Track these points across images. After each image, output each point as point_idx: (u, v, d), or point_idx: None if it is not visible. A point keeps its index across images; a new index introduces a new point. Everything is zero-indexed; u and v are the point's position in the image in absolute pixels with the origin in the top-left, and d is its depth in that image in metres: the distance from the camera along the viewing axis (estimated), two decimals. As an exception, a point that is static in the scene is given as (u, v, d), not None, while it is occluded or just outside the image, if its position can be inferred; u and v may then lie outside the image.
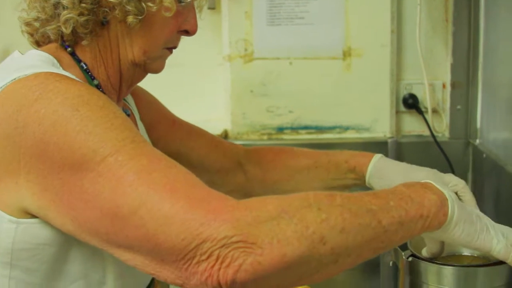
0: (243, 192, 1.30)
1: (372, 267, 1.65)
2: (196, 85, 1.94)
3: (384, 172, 1.18)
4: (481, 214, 0.97)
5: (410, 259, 1.04)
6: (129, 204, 0.76)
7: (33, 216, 0.85)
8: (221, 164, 1.29)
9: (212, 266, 0.73)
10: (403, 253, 1.05)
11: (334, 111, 1.82)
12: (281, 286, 0.77)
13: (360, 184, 1.23)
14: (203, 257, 0.74)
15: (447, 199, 0.89)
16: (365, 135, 1.83)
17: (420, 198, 0.86)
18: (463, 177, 1.85)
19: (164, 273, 0.77)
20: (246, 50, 1.83)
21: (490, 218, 1.39)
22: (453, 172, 1.82)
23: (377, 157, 1.21)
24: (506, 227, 0.98)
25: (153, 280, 1.06)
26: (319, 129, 1.83)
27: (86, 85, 0.88)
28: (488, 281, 1.01)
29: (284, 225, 0.74)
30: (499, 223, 1.10)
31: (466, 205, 0.95)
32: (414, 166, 1.17)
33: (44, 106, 0.81)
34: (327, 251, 0.76)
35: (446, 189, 0.91)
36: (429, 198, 0.87)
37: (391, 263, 1.12)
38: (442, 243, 1.03)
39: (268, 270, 0.73)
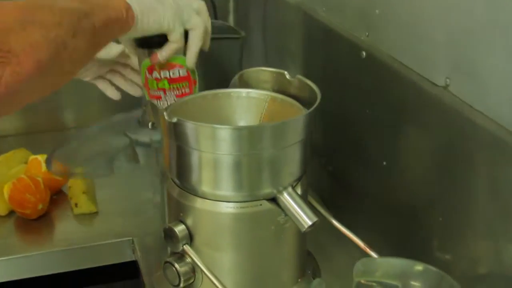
0: None
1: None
2: None
3: None
4: None
5: (175, 120, 0.74)
6: None
7: None
8: None
9: None
10: (164, 113, 0.75)
11: None
12: (26, 100, 0.70)
13: None
14: None
15: None
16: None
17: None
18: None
19: None
20: None
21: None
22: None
23: None
24: None
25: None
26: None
27: None
28: (279, 139, 0.75)
29: (30, 29, 0.66)
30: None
31: None
32: None
33: None
34: (66, 56, 0.70)
35: None
36: None
37: (150, 124, 0.82)
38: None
39: (24, 80, 0.65)
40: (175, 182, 0.81)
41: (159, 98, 0.92)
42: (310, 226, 0.77)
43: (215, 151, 0.74)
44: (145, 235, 1.05)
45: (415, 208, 0.86)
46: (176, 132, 0.76)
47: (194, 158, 0.76)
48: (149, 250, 1.02)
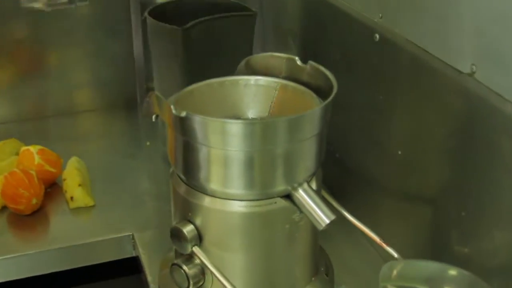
0: None
1: (129, 116, 1.29)
2: None
3: None
4: None
5: (184, 114, 0.68)
6: None
7: None
8: None
9: None
10: (172, 107, 0.69)
11: None
12: None
13: None
14: None
15: None
16: None
17: None
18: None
19: None
20: None
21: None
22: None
23: None
24: None
25: None
26: None
27: None
28: (294, 133, 0.69)
29: None
30: None
31: None
32: None
33: None
34: None
35: None
36: None
37: (154, 117, 0.76)
38: None
39: None
40: (181, 179, 0.75)
41: None
42: (327, 224, 0.72)
43: (225, 147, 0.69)
44: (146, 229, 0.99)
45: (433, 201, 0.81)
46: (184, 127, 0.70)
47: (203, 154, 0.70)
48: (151, 245, 0.97)
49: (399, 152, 0.85)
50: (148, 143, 1.18)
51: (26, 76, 1.29)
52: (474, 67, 0.69)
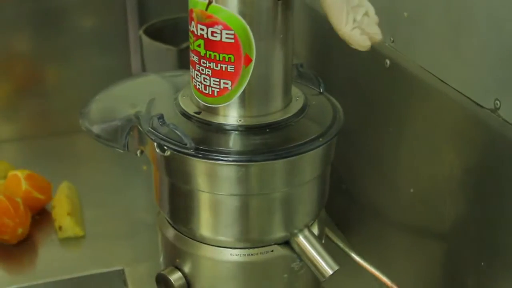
0: None
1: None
2: None
3: None
4: None
5: (168, 153, 0.58)
6: None
7: None
8: None
9: None
10: (155, 144, 0.59)
11: None
12: None
13: None
14: None
15: None
16: None
17: None
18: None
19: None
20: None
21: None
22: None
23: None
24: None
25: None
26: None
27: None
28: (294, 175, 0.59)
29: None
30: None
31: None
32: None
33: None
34: None
35: None
36: None
37: (139, 152, 0.66)
38: None
39: None
40: (169, 222, 0.66)
41: (193, 65, 0.59)
42: (331, 275, 0.62)
43: (217, 191, 0.59)
44: (138, 263, 0.90)
45: (450, 246, 0.71)
46: (169, 167, 0.60)
47: (192, 198, 0.60)
48: (142, 282, 0.87)
49: (411, 190, 0.75)
50: (145, 167, 1.08)
51: (20, 94, 1.20)
52: (498, 102, 0.59)
